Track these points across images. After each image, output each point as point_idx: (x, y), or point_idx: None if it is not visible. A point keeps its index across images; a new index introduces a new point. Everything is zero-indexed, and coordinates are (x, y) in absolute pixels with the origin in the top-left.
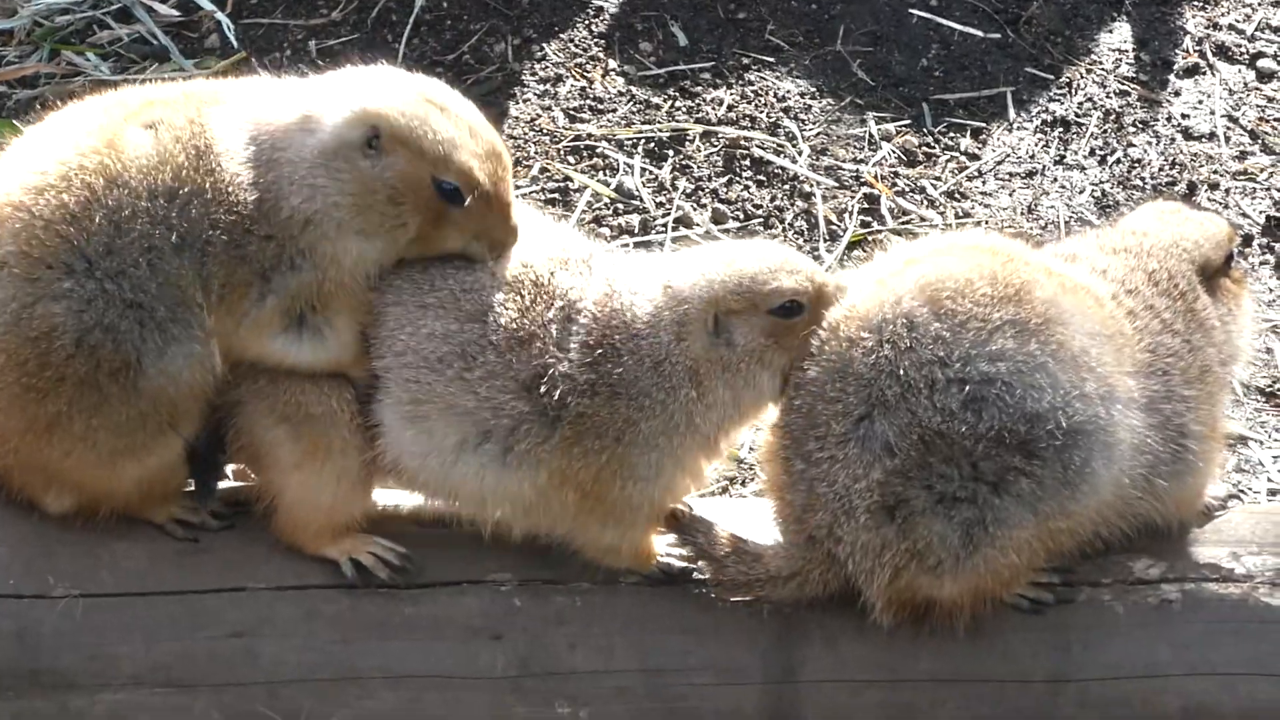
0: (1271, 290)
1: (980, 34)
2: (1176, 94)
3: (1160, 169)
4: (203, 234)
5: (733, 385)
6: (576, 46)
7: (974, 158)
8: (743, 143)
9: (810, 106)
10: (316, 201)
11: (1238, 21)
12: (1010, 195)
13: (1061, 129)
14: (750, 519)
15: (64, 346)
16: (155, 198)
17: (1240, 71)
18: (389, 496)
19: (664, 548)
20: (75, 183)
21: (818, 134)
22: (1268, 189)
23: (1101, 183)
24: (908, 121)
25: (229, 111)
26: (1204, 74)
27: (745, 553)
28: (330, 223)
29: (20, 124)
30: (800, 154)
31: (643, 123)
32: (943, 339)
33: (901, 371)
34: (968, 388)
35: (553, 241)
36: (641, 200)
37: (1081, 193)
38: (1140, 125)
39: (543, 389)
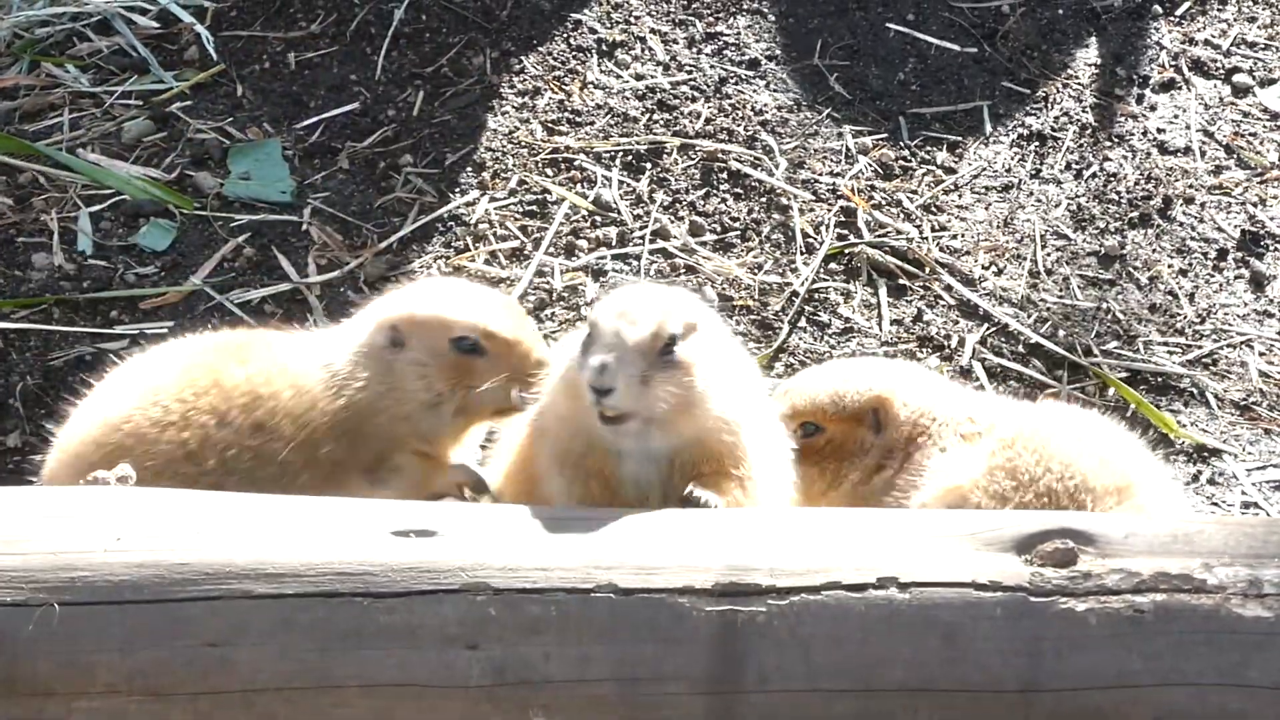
0: (1246, 305)
1: (957, 48)
2: (1152, 108)
3: (1136, 183)
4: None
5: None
6: (555, 60)
7: (950, 171)
8: (720, 156)
9: (787, 120)
10: (365, 396)
11: (1213, 37)
12: (986, 209)
13: (1037, 143)
14: None
15: None
16: (257, 430)
17: (1216, 86)
18: None
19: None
20: (193, 422)
21: (795, 147)
22: (1242, 203)
23: (1077, 196)
24: (884, 135)
25: (292, 352)
26: (1179, 89)
27: None
28: (384, 414)
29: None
30: (777, 167)
31: (620, 135)
32: None
33: None
34: None
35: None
36: (619, 213)
37: (1057, 206)
38: (1116, 139)
39: None
